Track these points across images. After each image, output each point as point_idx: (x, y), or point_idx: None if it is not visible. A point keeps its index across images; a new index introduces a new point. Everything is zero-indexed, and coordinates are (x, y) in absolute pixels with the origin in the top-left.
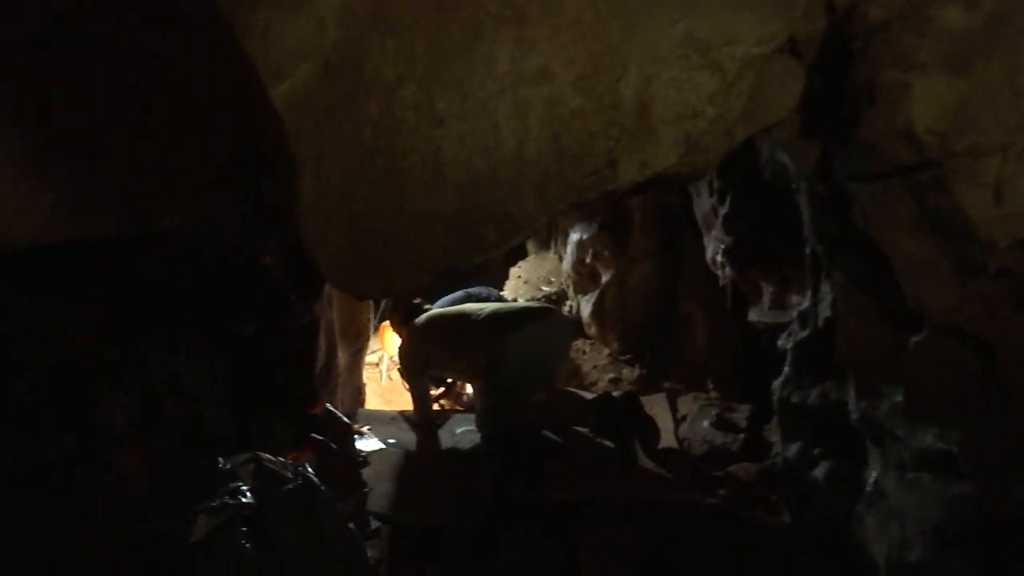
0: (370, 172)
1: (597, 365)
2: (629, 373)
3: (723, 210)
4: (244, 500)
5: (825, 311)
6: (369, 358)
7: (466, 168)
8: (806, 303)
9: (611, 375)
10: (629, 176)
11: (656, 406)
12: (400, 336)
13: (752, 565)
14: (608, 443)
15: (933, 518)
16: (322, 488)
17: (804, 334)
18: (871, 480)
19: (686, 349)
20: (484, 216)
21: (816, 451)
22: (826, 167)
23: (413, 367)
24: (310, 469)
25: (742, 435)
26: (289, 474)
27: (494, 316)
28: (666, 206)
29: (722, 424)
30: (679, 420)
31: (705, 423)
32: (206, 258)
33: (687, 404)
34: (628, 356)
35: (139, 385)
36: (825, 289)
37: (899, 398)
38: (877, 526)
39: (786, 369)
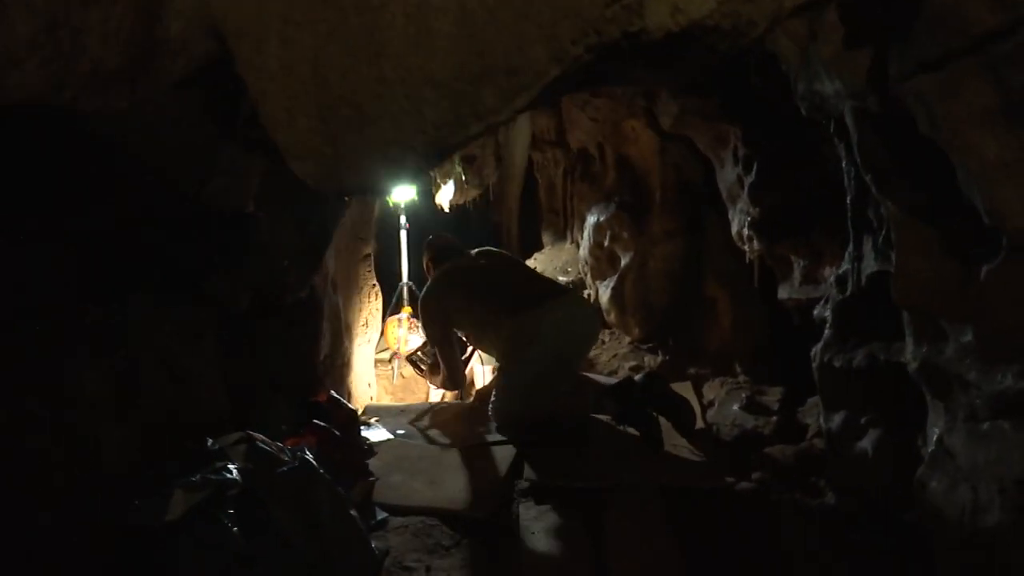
0: (344, 34)
1: (617, 354)
2: (651, 361)
3: (749, 179)
4: (229, 476)
5: (869, 266)
6: (380, 355)
7: (458, 13)
8: (845, 266)
9: (632, 363)
10: (658, 19)
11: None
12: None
13: (795, 550)
14: (632, 431)
15: (1016, 472)
16: (321, 471)
17: (845, 295)
18: (934, 440)
19: (711, 333)
20: (481, 73)
21: (863, 419)
22: (879, 74)
23: (434, 319)
24: (309, 454)
25: (775, 418)
26: (285, 457)
27: (529, 282)
28: (688, 182)
29: (753, 407)
30: (706, 406)
31: (735, 407)
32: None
33: (714, 389)
34: (650, 344)
35: (121, 352)
36: (867, 245)
37: (968, 338)
38: (943, 491)
39: (826, 332)
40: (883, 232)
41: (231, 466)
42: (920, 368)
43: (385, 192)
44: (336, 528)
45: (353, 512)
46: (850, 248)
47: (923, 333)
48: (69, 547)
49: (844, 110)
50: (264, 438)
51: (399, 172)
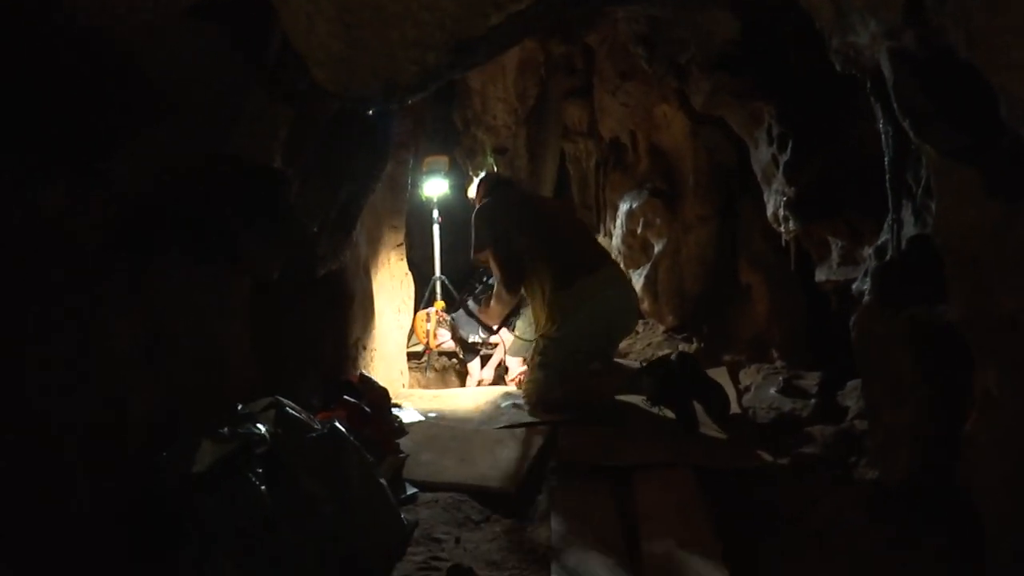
0: None
1: (651, 342)
2: (686, 349)
3: (784, 158)
4: (257, 432)
5: (909, 231)
6: (412, 348)
7: None
8: (884, 236)
9: (667, 352)
10: None
11: (717, 379)
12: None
13: (832, 525)
14: (667, 411)
15: None
16: (350, 439)
17: (884, 261)
18: (982, 392)
19: (746, 320)
20: None
21: (905, 385)
22: (916, 8)
23: (489, 223)
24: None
25: (813, 400)
26: (315, 424)
27: (584, 242)
28: (721, 166)
29: (790, 391)
30: (742, 391)
31: (771, 390)
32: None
33: (750, 375)
34: (684, 332)
35: (152, 308)
36: (906, 211)
37: (1016, 280)
38: (993, 444)
39: (866, 299)
40: (922, 189)
41: (259, 425)
42: (965, 317)
43: (403, 101)
44: (364, 496)
45: (382, 481)
46: (888, 217)
47: (967, 280)
48: (96, 499)
49: (880, 58)
50: (294, 405)
51: (420, 75)
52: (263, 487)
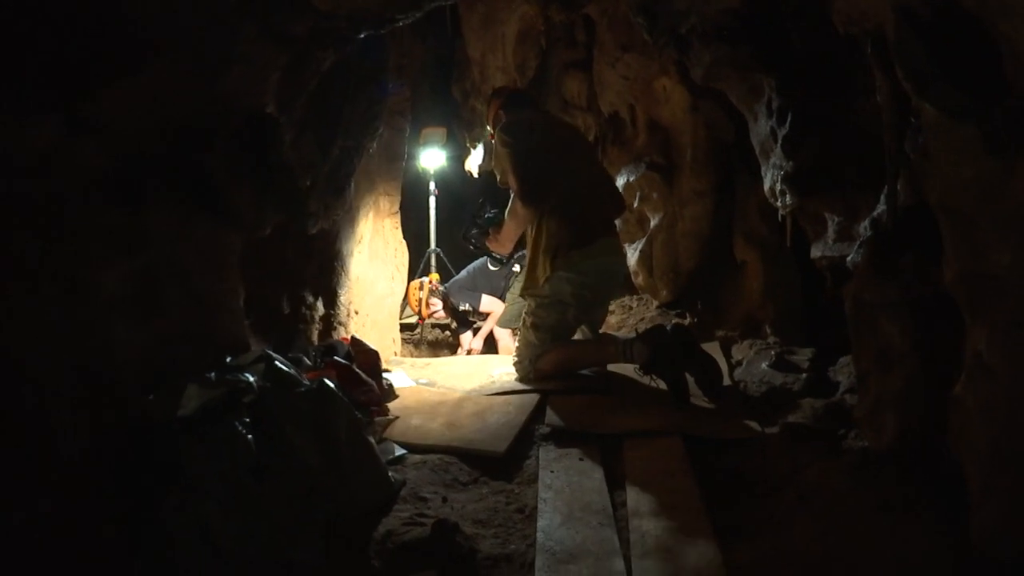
0: None
1: (644, 317)
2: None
3: (783, 131)
4: (244, 380)
5: (905, 199)
6: (406, 320)
7: None
8: (880, 208)
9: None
10: None
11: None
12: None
13: (819, 492)
14: (659, 381)
15: None
16: (339, 395)
17: (878, 230)
18: (971, 354)
19: (740, 296)
20: None
21: (896, 352)
22: None
23: (513, 135)
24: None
25: (804, 375)
26: (304, 381)
27: (597, 200)
28: (720, 141)
29: (782, 365)
30: (734, 366)
31: (763, 365)
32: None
33: (742, 351)
34: (678, 308)
35: (141, 258)
36: (903, 181)
37: (1011, 238)
38: (980, 406)
39: (860, 265)
40: (919, 154)
41: (246, 374)
42: (958, 278)
43: (396, 21)
44: (352, 452)
45: (370, 438)
46: (885, 188)
47: (961, 239)
48: (81, 442)
49: (884, 18)
50: (283, 359)
51: None
52: (249, 436)
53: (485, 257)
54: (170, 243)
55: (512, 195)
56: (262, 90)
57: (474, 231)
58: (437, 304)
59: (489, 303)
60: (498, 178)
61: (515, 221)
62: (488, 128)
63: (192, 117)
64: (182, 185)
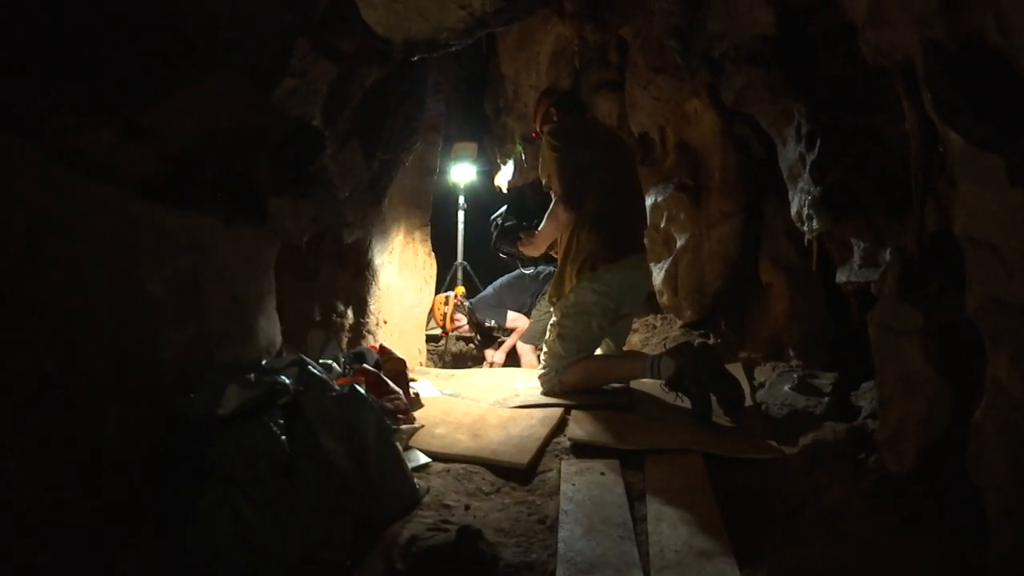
0: None
1: (668, 336)
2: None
3: (812, 156)
4: (281, 382)
5: (931, 226)
6: (431, 331)
7: None
8: (905, 235)
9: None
10: None
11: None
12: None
13: (840, 513)
14: (682, 397)
15: None
16: (369, 400)
17: (905, 257)
18: (992, 380)
19: (765, 318)
20: None
21: (918, 378)
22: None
23: (563, 140)
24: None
25: (826, 398)
26: (335, 385)
27: (632, 218)
28: (749, 164)
29: (804, 388)
30: (756, 387)
31: (786, 387)
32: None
33: (765, 373)
34: (702, 329)
35: (183, 260)
36: (929, 208)
37: None
38: (1000, 431)
39: (884, 293)
40: (945, 183)
41: (283, 377)
42: (980, 305)
43: (448, 47)
44: (380, 457)
45: (398, 445)
46: (911, 214)
47: (985, 268)
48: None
49: (912, 51)
50: (316, 364)
51: (466, 20)
52: (283, 436)
53: (511, 274)
54: (213, 246)
55: (554, 199)
56: (310, 103)
57: (503, 238)
58: (461, 319)
59: (514, 319)
60: (543, 181)
61: (554, 224)
62: (534, 126)
63: (241, 126)
64: (226, 191)
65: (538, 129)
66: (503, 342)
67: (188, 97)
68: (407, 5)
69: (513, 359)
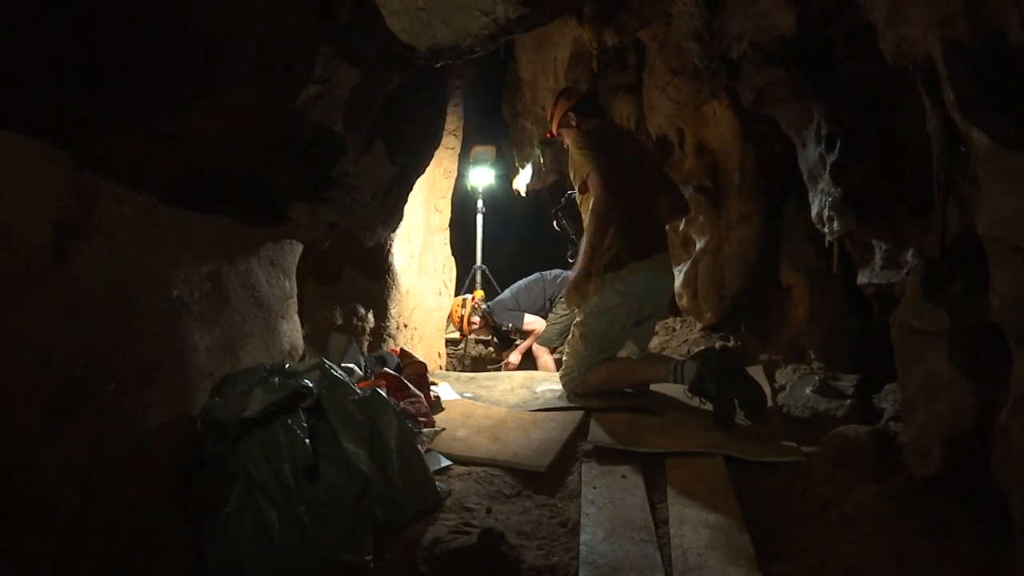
0: None
1: (688, 339)
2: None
3: (832, 158)
4: (305, 386)
5: (953, 228)
6: (450, 335)
7: None
8: (927, 237)
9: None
10: None
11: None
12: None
13: (862, 516)
14: (703, 401)
15: None
16: (391, 404)
17: (928, 258)
18: (1017, 381)
19: (785, 321)
20: None
21: (941, 379)
22: None
23: (590, 146)
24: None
25: (848, 401)
26: (357, 389)
27: (655, 219)
28: (768, 165)
29: (826, 391)
30: (777, 390)
31: (807, 390)
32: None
33: (786, 375)
34: (722, 331)
35: (207, 262)
36: (951, 208)
37: None
38: (1023, 433)
39: (907, 295)
40: (968, 183)
41: (306, 380)
42: (1004, 307)
43: (471, 53)
44: (402, 460)
45: (419, 446)
46: (934, 216)
47: (1009, 269)
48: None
49: (932, 49)
50: (337, 367)
51: (489, 27)
52: (307, 439)
53: (528, 277)
54: (236, 250)
55: (592, 198)
56: (332, 108)
57: (567, 210)
58: (478, 322)
59: (531, 321)
60: (576, 184)
61: (597, 219)
62: (551, 126)
63: (264, 132)
64: (249, 196)
65: (554, 130)
66: (520, 344)
67: (212, 105)
68: (432, 12)
69: (529, 361)
